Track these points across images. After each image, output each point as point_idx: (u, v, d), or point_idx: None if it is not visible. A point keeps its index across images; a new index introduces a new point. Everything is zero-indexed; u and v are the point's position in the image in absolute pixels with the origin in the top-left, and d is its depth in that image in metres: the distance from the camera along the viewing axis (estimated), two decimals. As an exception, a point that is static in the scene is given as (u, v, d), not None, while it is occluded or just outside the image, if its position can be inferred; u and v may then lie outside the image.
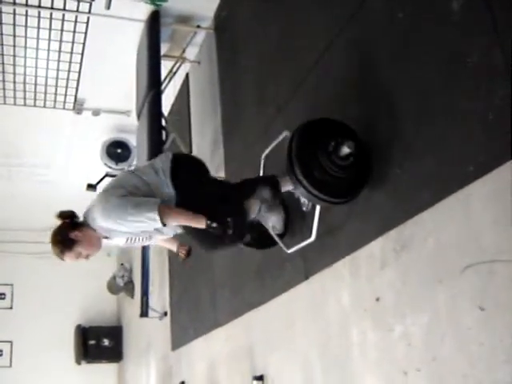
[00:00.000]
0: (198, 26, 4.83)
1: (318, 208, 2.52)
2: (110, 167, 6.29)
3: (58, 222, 2.57)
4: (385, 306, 2.26)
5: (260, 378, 3.42)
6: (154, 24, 4.62)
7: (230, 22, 4.45)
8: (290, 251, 2.87)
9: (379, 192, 2.33)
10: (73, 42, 4.88)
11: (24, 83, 5.35)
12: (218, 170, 4.40)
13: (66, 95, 5.60)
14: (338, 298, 2.60)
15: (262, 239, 3.09)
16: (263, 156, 2.83)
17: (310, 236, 2.66)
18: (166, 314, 6.13)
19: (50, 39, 4.83)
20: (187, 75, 5.38)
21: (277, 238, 2.96)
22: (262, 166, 2.87)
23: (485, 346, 1.78)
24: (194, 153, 4.97)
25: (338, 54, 2.72)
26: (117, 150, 6.29)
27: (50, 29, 4.69)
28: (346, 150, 2.22)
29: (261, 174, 2.89)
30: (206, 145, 4.78)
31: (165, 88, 4.93)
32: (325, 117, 2.44)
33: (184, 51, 5.01)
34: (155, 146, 4.18)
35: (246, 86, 3.95)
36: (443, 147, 1.99)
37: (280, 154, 2.64)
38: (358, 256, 2.45)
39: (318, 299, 2.81)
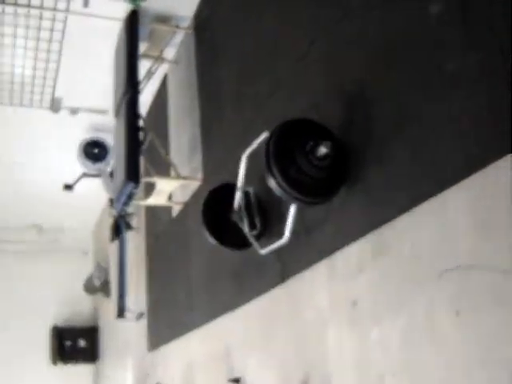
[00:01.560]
0: (177, 26, 4.80)
1: (292, 208, 2.51)
2: (86, 167, 6.24)
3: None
4: (362, 310, 2.26)
5: (237, 380, 3.41)
6: (132, 23, 4.57)
7: (209, 22, 4.43)
8: (263, 252, 2.86)
9: (356, 194, 2.33)
10: (50, 41, 4.83)
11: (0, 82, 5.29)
12: (196, 171, 4.38)
13: (42, 94, 5.54)
14: (315, 301, 2.60)
15: (237, 239, 3.09)
16: (244, 156, 2.82)
17: (282, 235, 2.66)
18: (142, 314, 6.09)
19: (27, 37, 4.78)
20: (165, 75, 5.35)
21: (251, 239, 2.96)
22: (242, 166, 2.85)
23: (461, 351, 1.79)
24: (172, 151, 4.95)
25: (317, 55, 2.72)
26: (94, 150, 6.23)
27: (27, 27, 4.63)
28: (323, 150, 2.22)
29: (241, 174, 2.88)
30: (184, 145, 4.75)
31: (143, 88, 4.89)
32: (303, 117, 2.43)
33: (162, 51, 4.98)
34: (132, 147, 4.14)
35: (225, 87, 3.94)
36: (421, 151, 1.99)
37: (261, 155, 2.65)
38: (335, 259, 2.44)
39: (295, 302, 2.81)
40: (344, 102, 2.47)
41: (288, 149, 2.29)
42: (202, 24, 4.62)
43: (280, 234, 2.84)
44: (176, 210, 4.85)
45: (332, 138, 2.33)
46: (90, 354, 9.05)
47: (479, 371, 1.72)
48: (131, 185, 3.96)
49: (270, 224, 3.03)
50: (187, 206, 4.59)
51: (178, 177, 4.37)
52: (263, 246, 2.87)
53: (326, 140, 2.24)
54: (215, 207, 3.21)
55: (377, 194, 2.22)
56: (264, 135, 2.65)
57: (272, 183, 2.28)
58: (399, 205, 2.08)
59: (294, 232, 2.59)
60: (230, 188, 3.11)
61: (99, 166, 6.25)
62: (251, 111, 3.42)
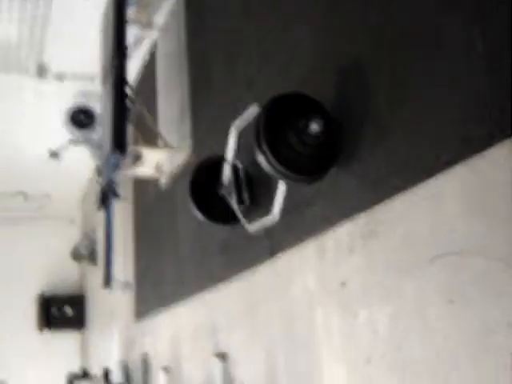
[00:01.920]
0: (167, -9, 4.66)
1: (281, 186, 2.44)
2: (73, 134, 6.12)
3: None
4: (350, 292, 2.21)
5: (222, 356, 3.38)
6: (121, -14, 4.43)
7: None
8: (251, 229, 2.80)
9: (349, 174, 2.26)
10: (37, 3, 4.68)
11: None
12: (184, 142, 4.29)
13: (28, 59, 5.40)
14: (304, 279, 2.55)
15: (225, 214, 3.03)
16: (233, 128, 2.73)
17: (271, 213, 2.59)
18: (129, 284, 6.05)
19: (11, -1, 4.63)
20: (154, 43, 5.22)
21: (239, 215, 2.89)
22: (231, 138, 2.77)
23: (451, 340, 1.73)
24: (161, 121, 4.84)
25: (312, 24, 2.61)
26: (80, 117, 6.11)
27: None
28: (315, 127, 2.14)
29: (230, 146, 2.80)
30: (173, 115, 4.65)
31: (131, 54, 4.76)
32: (296, 91, 2.34)
33: (152, 17, 4.84)
34: (119, 115, 4.04)
35: (215, 56, 3.82)
36: (418, 131, 1.91)
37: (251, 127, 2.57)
38: (325, 238, 2.38)
39: (283, 279, 2.76)
40: (341, 76, 2.38)
41: (279, 124, 2.20)
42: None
43: (269, 211, 2.78)
44: (164, 181, 4.77)
45: (325, 114, 2.24)
46: (77, 322, 9.04)
47: (469, 362, 1.68)
48: (117, 154, 3.87)
49: (259, 199, 2.96)
50: (176, 177, 4.51)
51: (166, 146, 4.28)
52: (252, 222, 2.81)
53: (319, 116, 2.16)
54: (203, 180, 3.13)
55: (370, 174, 2.14)
56: (253, 108, 2.58)
57: (261, 159, 2.20)
58: (393, 186, 2.01)
59: (283, 209, 2.52)
60: (219, 161, 3.03)
61: (86, 133, 6.13)
62: (242, 80, 3.32)
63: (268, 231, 2.79)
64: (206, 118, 3.91)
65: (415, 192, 1.90)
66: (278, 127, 2.21)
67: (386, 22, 2.11)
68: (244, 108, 2.70)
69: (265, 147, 2.17)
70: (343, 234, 2.26)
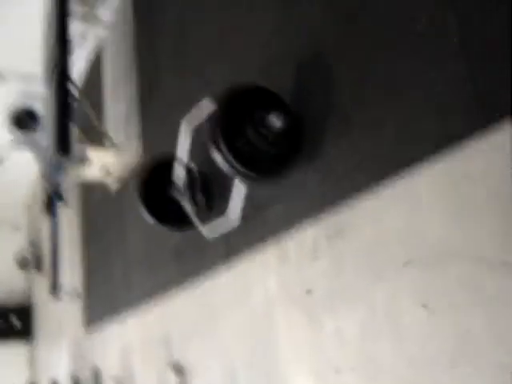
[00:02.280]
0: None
1: (240, 185, 2.27)
2: (16, 136, 5.80)
3: None
4: (316, 299, 2.04)
5: (178, 369, 3.18)
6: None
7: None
8: (207, 233, 2.63)
9: (311, 171, 2.09)
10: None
11: None
12: (133, 139, 4.07)
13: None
14: (264, 286, 2.37)
15: (178, 217, 2.84)
16: (184, 124, 2.55)
17: (229, 215, 2.42)
18: (77, 292, 5.77)
19: None
20: (100, 38, 4.98)
21: (194, 218, 2.71)
22: (183, 135, 2.59)
23: (426, 348, 1.59)
24: (108, 121, 4.61)
25: (270, 15, 2.45)
26: (24, 119, 5.79)
27: None
28: (275, 121, 1.98)
29: (181, 144, 2.61)
30: (121, 115, 4.42)
31: (75, 51, 4.51)
32: (253, 83, 2.17)
33: (96, 11, 4.60)
34: (63, 114, 3.80)
35: (165, 50, 3.62)
36: (387, 121, 1.77)
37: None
38: (286, 241, 2.21)
39: (241, 286, 2.58)
40: (298, 68, 2.22)
41: (236, 119, 2.03)
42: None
43: (226, 213, 2.61)
44: (112, 184, 4.53)
45: (285, 107, 2.08)
46: (24, 334, 8.66)
47: (446, 372, 1.54)
48: (62, 155, 3.64)
49: (215, 201, 2.78)
50: (124, 179, 4.28)
51: (113, 147, 4.06)
52: (207, 225, 2.63)
53: (279, 109, 1.99)
54: (154, 181, 2.92)
55: (335, 171, 1.98)
56: (206, 102, 2.40)
57: (217, 157, 2.02)
58: (360, 183, 1.86)
59: (241, 211, 2.35)
60: (171, 160, 2.84)
61: (30, 135, 5.82)
62: (193, 77, 3.14)
63: (224, 235, 2.62)
64: (156, 116, 3.71)
65: (386, 189, 1.75)
66: (234, 122, 2.03)
67: (350, 10, 1.96)
68: (196, 103, 2.53)
69: (221, 144, 1.99)
70: (307, 236, 2.10)
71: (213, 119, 2.04)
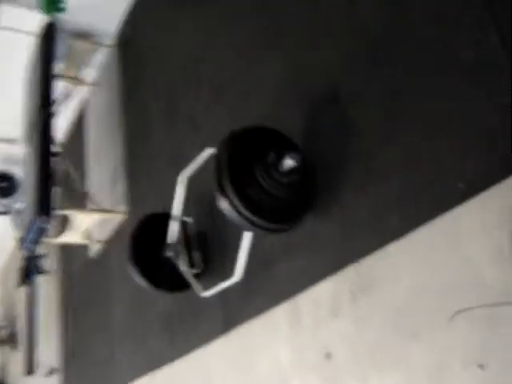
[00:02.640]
0: (99, 43, 4.29)
1: (246, 237, 2.02)
2: (-7, 202, 5.55)
3: None
4: (338, 365, 1.78)
5: None
6: (48, 38, 4.02)
7: (136, 37, 3.96)
8: (205, 294, 2.36)
9: (330, 219, 1.87)
10: None
11: None
12: (118, 204, 3.84)
13: None
14: (273, 354, 2.10)
15: (172, 280, 2.57)
16: (182, 177, 2.34)
17: (232, 274, 2.16)
18: (55, 370, 5.37)
19: None
20: (85, 100, 4.81)
21: (191, 279, 2.45)
22: (179, 189, 2.37)
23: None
24: (91, 185, 4.38)
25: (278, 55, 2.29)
26: (2, 184, 5.55)
27: None
28: (289, 162, 1.77)
29: (178, 199, 2.40)
30: (105, 175, 4.20)
31: (58, 111, 4.32)
32: (261, 124, 1.98)
33: (82, 71, 4.45)
34: (44, 175, 3.56)
35: (153, 107, 3.45)
36: (418, 162, 1.58)
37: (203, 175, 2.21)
38: (301, 301, 1.96)
39: (244, 357, 2.29)
40: (310, 108, 2.04)
41: (245, 161, 1.82)
42: (127, 41, 4.14)
43: (225, 272, 2.36)
44: (95, 249, 4.25)
45: (297, 150, 1.88)
46: (-5, 416, 8.09)
47: None
48: (42, 219, 3.38)
49: (212, 260, 2.53)
50: (108, 244, 4.01)
51: (98, 209, 3.80)
52: (205, 287, 2.37)
53: (292, 151, 1.79)
54: (145, 241, 2.66)
55: (357, 219, 1.77)
56: (207, 152, 2.21)
57: (224, 204, 1.79)
58: (390, 230, 1.64)
59: (246, 267, 2.11)
60: (163, 218, 2.61)
61: (8, 201, 5.56)
62: (185, 131, 2.95)
63: (225, 296, 2.36)
64: (144, 174, 3.49)
65: (419, 234, 1.54)
66: (242, 165, 1.82)
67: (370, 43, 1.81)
68: (188, 158, 2.34)
69: (228, 188, 1.77)
70: (325, 293, 1.86)
71: (219, 163, 1.82)
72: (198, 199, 2.59)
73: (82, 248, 4.37)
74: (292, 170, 1.80)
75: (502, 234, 1.33)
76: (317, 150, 1.94)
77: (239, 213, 1.77)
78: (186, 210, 2.53)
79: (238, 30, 2.59)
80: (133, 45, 4.02)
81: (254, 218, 1.78)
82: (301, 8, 2.15)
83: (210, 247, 2.54)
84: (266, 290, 2.15)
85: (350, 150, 1.82)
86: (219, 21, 2.77)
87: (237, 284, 2.16)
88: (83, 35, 4.25)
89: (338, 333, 1.79)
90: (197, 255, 2.53)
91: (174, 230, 2.51)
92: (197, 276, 2.47)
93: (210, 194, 2.57)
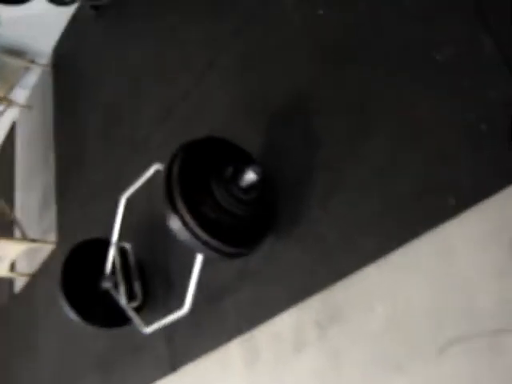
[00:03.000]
0: (33, 61, 4.02)
1: (198, 262, 1.78)
2: None
3: None
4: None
5: None
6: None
7: (73, 56, 3.72)
8: (147, 330, 2.10)
9: (293, 241, 1.67)
10: None
11: None
12: (47, 233, 3.52)
13: None
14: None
15: (110, 314, 2.29)
16: (123, 198, 2.10)
17: (181, 307, 1.90)
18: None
19: None
20: (13, 123, 4.50)
21: (131, 312, 2.18)
22: (119, 212, 2.13)
23: None
24: (18, 212, 4.04)
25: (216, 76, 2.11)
26: None
27: None
28: (250, 176, 1.57)
29: (117, 224, 2.15)
30: (34, 203, 3.88)
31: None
32: (217, 136, 1.77)
33: (12, 92, 4.14)
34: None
35: (90, 128, 3.20)
36: (398, 173, 1.41)
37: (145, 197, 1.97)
38: (259, 335, 1.73)
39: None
40: (266, 121, 1.86)
41: (199, 176, 1.61)
42: (63, 60, 3.89)
43: (169, 304, 2.12)
44: (20, 283, 3.89)
45: (257, 163, 1.68)
46: None
47: None
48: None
49: (155, 291, 2.28)
50: (35, 277, 3.66)
51: (25, 239, 3.47)
52: (147, 322, 2.11)
53: (254, 164, 1.59)
54: (79, 270, 2.38)
55: (324, 240, 1.58)
56: (153, 168, 1.98)
57: (175, 223, 1.56)
58: (362, 253, 1.46)
59: (194, 299, 1.87)
60: (101, 245, 2.34)
61: None
62: (124, 153, 2.71)
63: (170, 332, 2.10)
64: (78, 201, 3.19)
65: (401, 254, 1.36)
66: (196, 181, 1.61)
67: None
68: (129, 179, 2.11)
69: (180, 205, 1.54)
70: (287, 325, 1.64)
71: (170, 174, 1.60)
72: (139, 224, 2.35)
73: (4, 282, 4.00)
74: (252, 186, 1.59)
75: (499, 250, 1.17)
76: (277, 165, 1.75)
77: (192, 232, 1.54)
78: (126, 236, 2.28)
79: (185, 42, 2.42)
80: (69, 64, 3.77)
81: (210, 238, 1.55)
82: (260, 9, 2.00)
83: (151, 277, 2.29)
84: (218, 323, 1.91)
85: (315, 163, 1.64)
86: (162, 34, 2.60)
87: (184, 317, 1.91)
88: (16, 52, 3.98)
89: (302, 369, 1.57)
90: (137, 286, 2.27)
91: (111, 259, 2.25)
92: (138, 309, 2.20)
93: (153, 217, 2.37)
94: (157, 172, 1.95)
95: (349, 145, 1.57)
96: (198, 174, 1.60)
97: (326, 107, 1.66)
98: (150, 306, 2.25)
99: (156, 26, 2.71)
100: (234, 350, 1.83)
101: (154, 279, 2.27)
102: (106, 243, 2.29)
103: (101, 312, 2.30)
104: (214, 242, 1.55)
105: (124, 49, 3.02)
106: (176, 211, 1.55)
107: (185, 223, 1.54)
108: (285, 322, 1.65)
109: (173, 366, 2.13)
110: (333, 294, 1.52)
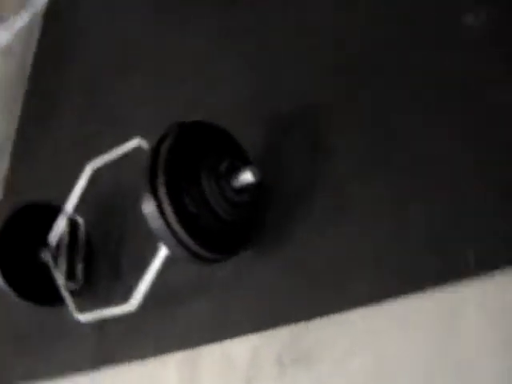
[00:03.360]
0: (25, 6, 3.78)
1: (160, 257, 1.56)
2: None
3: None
4: None
5: None
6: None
7: (68, 10, 3.49)
8: (81, 318, 1.86)
9: (274, 261, 1.48)
10: None
11: None
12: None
13: None
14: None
15: (42, 290, 2.04)
16: (90, 166, 1.88)
17: (127, 302, 1.68)
18: None
19: None
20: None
21: (66, 294, 1.93)
22: (83, 179, 1.91)
23: None
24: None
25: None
26: None
27: None
28: (247, 177, 1.38)
29: (77, 191, 1.93)
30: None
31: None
32: (219, 125, 1.57)
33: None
34: None
35: (70, 88, 2.95)
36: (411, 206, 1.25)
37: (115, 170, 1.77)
38: (205, 354, 1.53)
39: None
40: (271, 125, 1.68)
41: (190, 162, 1.41)
42: (57, 12, 3.66)
43: (110, 297, 1.90)
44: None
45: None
46: None
47: None
48: None
49: (98, 278, 2.04)
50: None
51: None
52: (81, 309, 1.87)
53: (252, 164, 1.41)
54: (18, 235, 2.12)
55: (311, 268, 1.39)
56: (134, 142, 1.78)
57: (149, 206, 1.34)
58: (352, 294, 1.28)
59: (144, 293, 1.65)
60: (49, 211, 2.10)
61: None
62: (103, 121, 2.49)
63: (104, 326, 1.87)
64: (37, 159, 2.93)
65: (400, 303, 1.19)
66: (186, 167, 1.40)
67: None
68: (102, 150, 1.91)
69: (162, 190, 1.33)
70: (242, 352, 1.44)
71: (155, 155, 1.39)
72: (100, 200, 2.12)
73: None
74: (245, 188, 1.41)
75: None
76: (276, 174, 1.56)
77: (166, 222, 1.33)
78: (81, 211, 2.05)
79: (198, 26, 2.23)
80: (62, 18, 3.54)
81: (184, 234, 1.34)
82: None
83: (99, 262, 2.06)
84: (162, 329, 1.70)
85: (319, 181, 1.46)
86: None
87: (125, 315, 1.69)
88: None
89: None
90: (80, 267, 2.03)
91: (59, 229, 2.02)
92: (75, 293, 1.97)
93: (118, 197, 2.15)
94: (137, 148, 1.75)
95: (359, 170, 1.40)
96: (188, 159, 1.40)
97: (339, 122, 1.50)
98: (91, 294, 2.01)
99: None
100: (171, 365, 1.61)
101: (102, 265, 2.04)
102: (56, 211, 2.06)
103: (34, 285, 2.05)
104: (187, 240, 1.35)
105: (124, 16, 2.83)
106: (154, 193, 1.34)
107: (160, 209, 1.33)
108: (241, 348, 1.45)
109: (95, 363, 1.90)
110: (305, 331, 1.33)
